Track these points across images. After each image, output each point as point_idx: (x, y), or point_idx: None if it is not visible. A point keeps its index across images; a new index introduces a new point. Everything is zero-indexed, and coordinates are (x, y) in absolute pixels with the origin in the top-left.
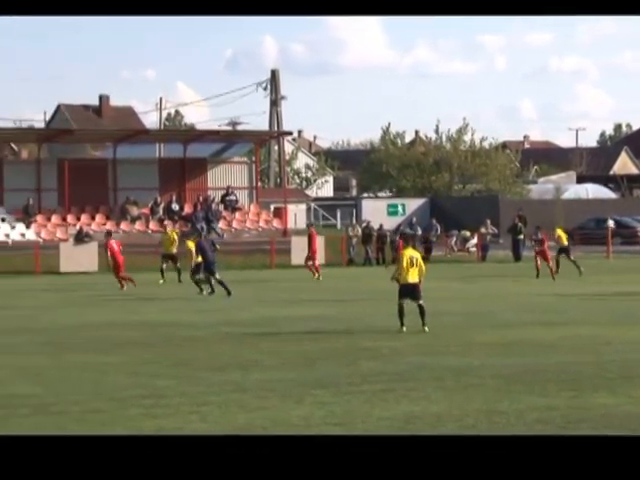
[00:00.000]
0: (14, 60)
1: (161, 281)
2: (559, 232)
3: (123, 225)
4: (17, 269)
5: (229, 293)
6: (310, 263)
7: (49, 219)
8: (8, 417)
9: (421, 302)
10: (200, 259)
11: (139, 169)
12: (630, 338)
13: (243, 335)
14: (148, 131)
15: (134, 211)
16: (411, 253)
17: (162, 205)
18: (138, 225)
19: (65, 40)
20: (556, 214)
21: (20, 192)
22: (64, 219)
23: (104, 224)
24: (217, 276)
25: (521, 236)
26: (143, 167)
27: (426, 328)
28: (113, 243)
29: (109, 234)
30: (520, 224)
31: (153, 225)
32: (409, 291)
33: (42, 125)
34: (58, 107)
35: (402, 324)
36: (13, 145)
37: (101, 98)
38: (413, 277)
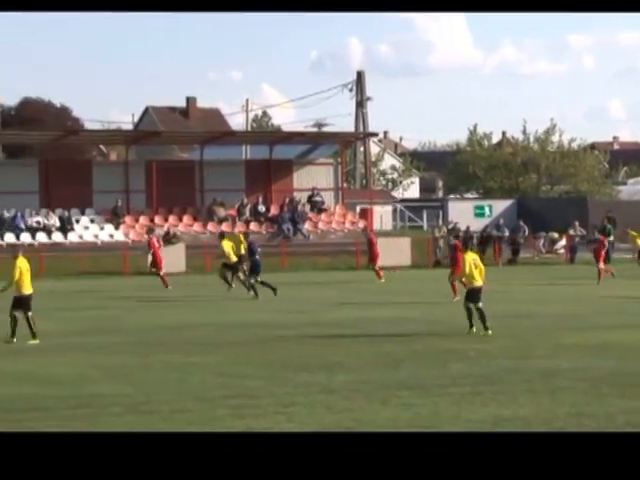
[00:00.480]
0: (102, 63)
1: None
2: (633, 233)
3: (210, 226)
4: (106, 270)
5: (256, 296)
6: (374, 267)
7: (137, 220)
8: (99, 416)
9: (480, 305)
10: (234, 259)
11: (226, 170)
12: None
13: (328, 336)
14: (234, 133)
15: (221, 212)
16: (473, 256)
17: (248, 206)
18: (225, 226)
19: (152, 42)
20: None
21: (109, 193)
22: (152, 220)
23: (191, 225)
24: (259, 279)
25: (611, 238)
26: (230, 168)
27: (489, 332)
28: (155, 241)
29: (151, 231)
30: (609, 225)
31: (240, 226)
32: (476, 294)
33: (130, 127)
34: (146, 109)
35: (471, 325)
36: (102, 147)
37: (188, 100)
38: (478, 280)
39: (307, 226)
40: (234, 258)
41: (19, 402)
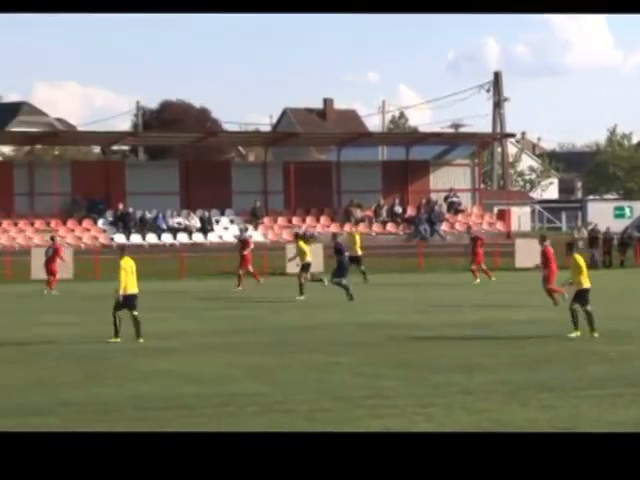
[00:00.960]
0: (241, 65)
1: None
2: None
3: (347, 227)
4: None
5: (351, 298)
6: (474, 267)
7: (275, 221)
8: (238, 415)
9: (589, 308)
10: (309, 259)
11: (363, 172)
12: None
13: (466, 337)
14: (371, 134)
15: (358, 213)
16: (582, 258)
17: (385, 207)
18: (362, 227)
19: (290, 44)
20: None
21: (248, 194)
22: (290, 221)
23: (328, 226)
24: (344, 281)
25: None
26: (366, 170)
27: (596, 334)
28: (251, 240)
29: (245, 230)
30: None
31: (377, 227)
32: (586, 296)
33: (268, 129)
34: (284, 111)
35: (577, 327)
36: (240, 148)
37: (325, 101)
38: (587, 282)
39: (444, 227)
40: (309, 259)
41: (163, 400)
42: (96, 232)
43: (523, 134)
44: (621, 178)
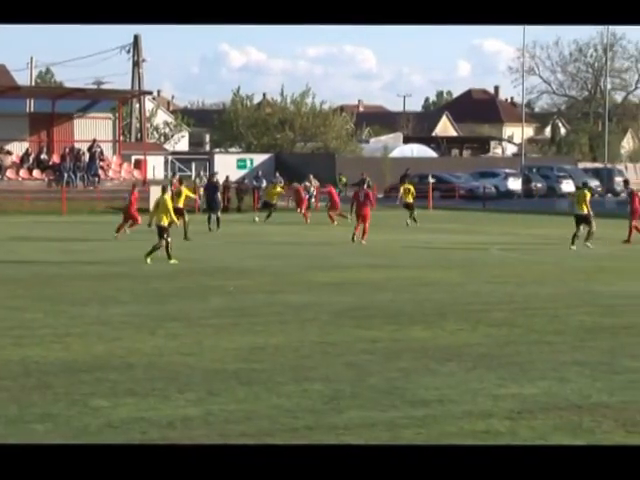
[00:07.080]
0: None
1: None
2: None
3: None
4: None
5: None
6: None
7: None
8: None
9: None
10: None
11: (10, 122)
12: (444, 280)
13: (101, 274)
14: (19, 87)
15: (8, 160)
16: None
17: (32, 155)
18: (9, 173)
19: None
20: (384, 170)
21: None
22: None
23: None
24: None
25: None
26: (14, 120)
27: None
28: None
29: None
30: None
31: (24, 173)
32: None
33: None
34: None
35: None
36: None
37: None
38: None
39: (111, 174)
40: None
41: None
42: None
43: (159, 92)
44: (243, 134)
